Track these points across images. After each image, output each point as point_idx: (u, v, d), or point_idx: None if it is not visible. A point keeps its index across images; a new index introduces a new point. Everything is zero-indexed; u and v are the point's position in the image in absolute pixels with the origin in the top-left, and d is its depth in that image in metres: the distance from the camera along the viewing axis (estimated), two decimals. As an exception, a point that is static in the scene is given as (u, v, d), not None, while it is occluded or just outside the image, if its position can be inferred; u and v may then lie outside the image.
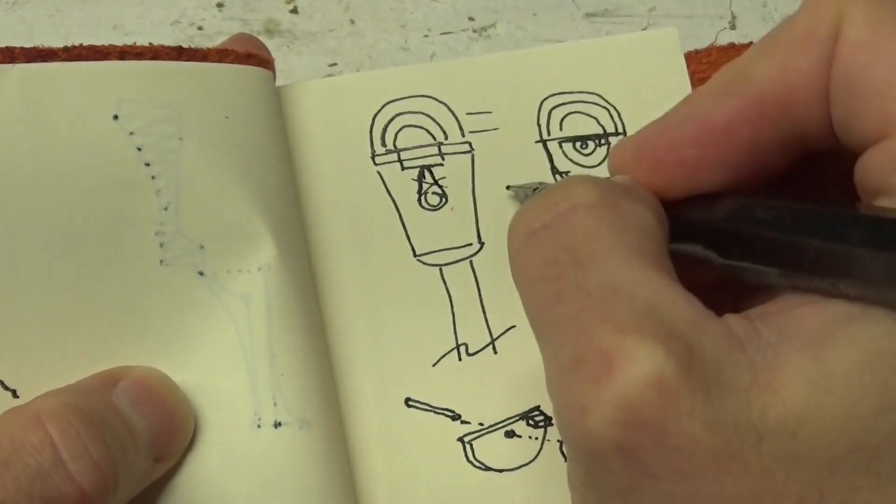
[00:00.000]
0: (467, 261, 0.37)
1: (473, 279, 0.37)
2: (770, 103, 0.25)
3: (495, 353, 0.37)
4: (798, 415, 0.21)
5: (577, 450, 0.24)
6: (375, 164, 0.37)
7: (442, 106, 0.38)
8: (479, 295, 0.37)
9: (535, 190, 0.36)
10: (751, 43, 0.42)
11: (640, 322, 0.22)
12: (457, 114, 0.38)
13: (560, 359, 0.23)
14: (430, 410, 0.36)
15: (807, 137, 0.26)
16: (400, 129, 0.38)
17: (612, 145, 0.38)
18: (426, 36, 0.48)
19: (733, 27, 0.48)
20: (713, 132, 0.26)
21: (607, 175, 0.29)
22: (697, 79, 0.39)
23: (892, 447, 0.21)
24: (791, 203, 0.24)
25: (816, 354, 0.22)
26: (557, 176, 0.38)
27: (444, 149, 0.38)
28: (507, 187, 0.38)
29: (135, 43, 0.34)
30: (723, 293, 0.26)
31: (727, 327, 0.23)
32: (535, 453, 0.36)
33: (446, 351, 0.37)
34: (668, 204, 0.27)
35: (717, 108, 0.26)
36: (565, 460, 0.36)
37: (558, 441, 0.36)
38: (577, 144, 0.38)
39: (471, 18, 0.48)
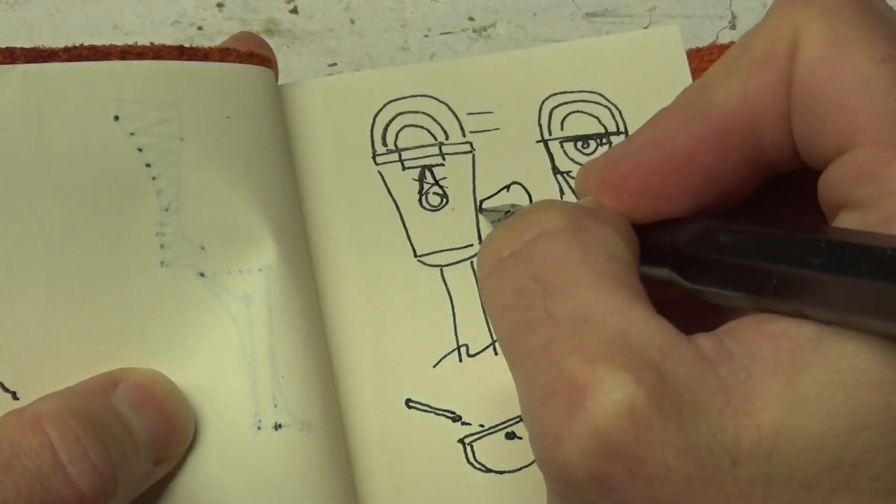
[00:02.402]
0: (468, 261, 0.37)
1: (474, 280, 0.37)
2: (732, 129, 0.25)
3: (496, 354, 0.37)
4: (772, 437, 0.21)
5: (552, 479, 0.24)
6: (376, 164, 0.37)
7: (443, 105, 0.38)
8: (480, 296, 0.37)
9: (507, 213, 0.36)
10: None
11: (611, 351, 0.22)
12: (458, 113, 0.38)
13: (533, 389, 0.23)
14: (430, 412, 0.36)
15: (771, 160, 0.25)
16: (401, 129, 0.38)
17: (613, 145, 0.38)
18: (426, 36, 0.48)
19: (733, 27, 0.48)
20: (676, 159, 0.25)
21: None
22: (699, 77, 0.38)
23: (868, 464, 0.21)
24: (753, 227, 0.24)
25: (789, 377, 0.22)
26: (559, 176, 0.38)
27: (445, 149, 0.38)
28: (480, 210, 0.37)
29: (136, 43, 0.34)
30: (693, 307, 0.26)
31: (699, 351, 0.23)
32: (536, 455, 0.36)
33: (447, 352, 0.36)
34: (633, 227, 0.27)
35: (679, 134, 0.25)
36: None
37: (559, 442, 0.36)
38: (579, 144, 0.38)
39: (471, 18, 0.48)
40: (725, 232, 0.24)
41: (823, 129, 0.24)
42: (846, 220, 0.23)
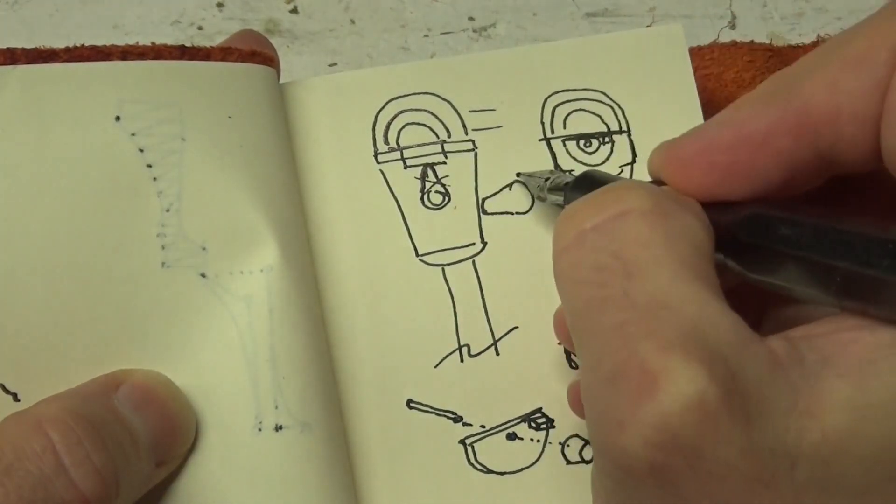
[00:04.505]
0: (470, 261, 0.37)
1: (476, 279, 0.37)
2: (814, 119, 0.25)
3: (497, 354, 0.36)
4: (835, 442, 0.21)
5: (608, 463, 0.24)
6: (378, 163, 0.37)
7: (445, 103, 0.38)
8: (482, 295, 0.37)
9: (546, 179, 0.36)
10: (752, 42, 0.42)
11: (686, 342, 0.22)
12: (460, 111, 0.38)
13: (600, 368, 0.23)
14: (431, 412, 0.36)
15: (843, 158, 0.25)
16: (403, 127, 0.37)
17: (615, 144, 0.38)
18: (426, 36, 0.47)
19: (733, 27, 0.48)
20: (751, 140, 0.25)
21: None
22: (699, 75, 0.38)
23: None
24: (815, 220, 0.23)
25: (859, 380, 0.22)
26: (561, 175, 0.38)
27: (447, 147, 0.38)
28: (517, 174, 0.37)
29: (137, 43, 0.34)
30: (758, 301, 0.25)
31: (770, 351, 0.23)
32: (537, 456, 0.36)
33: (448, 352, 0.36)
34: None
35: (758, 115, 0.25)
36: (567, 463, 0.35)
37: (560, 443, 0.36)
38: (581, 142, 0.38)
39: (471, 18, 0.48)
40: (786, 223, 0.24)
41: None
42: None
